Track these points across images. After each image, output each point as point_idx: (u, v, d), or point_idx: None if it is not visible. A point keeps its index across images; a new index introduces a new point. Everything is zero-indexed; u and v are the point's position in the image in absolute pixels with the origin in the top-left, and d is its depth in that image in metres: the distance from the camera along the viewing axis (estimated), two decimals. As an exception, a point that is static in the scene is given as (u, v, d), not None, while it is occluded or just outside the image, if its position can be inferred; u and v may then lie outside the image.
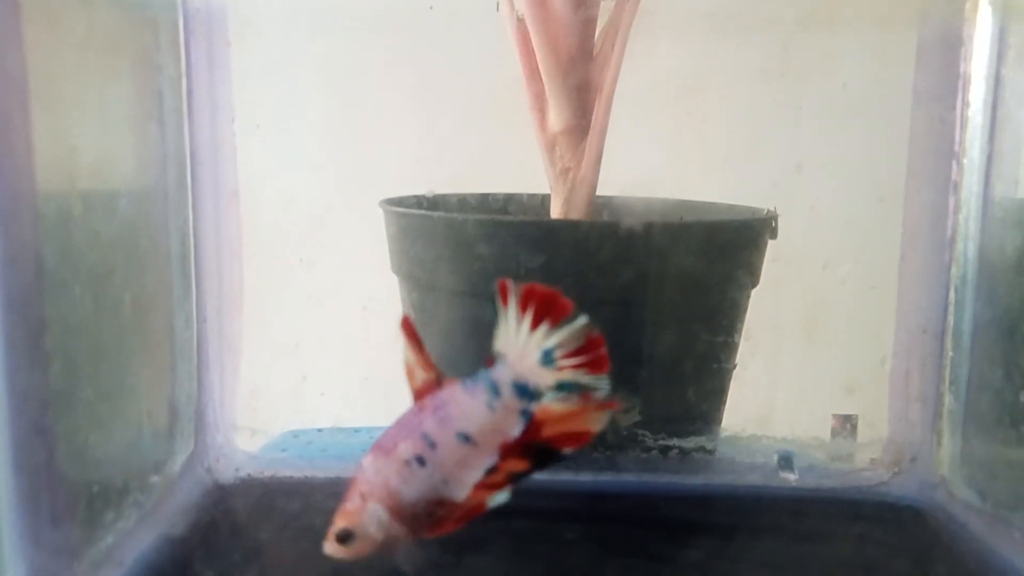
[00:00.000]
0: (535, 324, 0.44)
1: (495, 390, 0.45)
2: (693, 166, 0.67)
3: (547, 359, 0.44)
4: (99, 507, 0.52)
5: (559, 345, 0.44)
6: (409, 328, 0.47)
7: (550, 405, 0.44)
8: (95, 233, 0.53)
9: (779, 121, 0.67)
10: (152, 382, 0.63)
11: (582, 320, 0.44)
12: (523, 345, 0.44)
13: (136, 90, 0.59)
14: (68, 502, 0.44)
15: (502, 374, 0.45)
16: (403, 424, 0.46)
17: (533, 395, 0.44)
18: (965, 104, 0.63)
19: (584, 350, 0.44)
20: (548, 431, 0.44)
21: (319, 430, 0.78)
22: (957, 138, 0.64)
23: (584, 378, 0.44)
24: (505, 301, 0.44)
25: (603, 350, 0.44)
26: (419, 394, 0.46)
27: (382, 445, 0.46)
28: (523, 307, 0.44)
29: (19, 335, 0.41)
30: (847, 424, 0.72)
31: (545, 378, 0.44)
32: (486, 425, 0.45)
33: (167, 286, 0.64)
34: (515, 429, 0.45)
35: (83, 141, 0.51)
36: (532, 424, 0.44)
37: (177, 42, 0.64)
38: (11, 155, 0.40)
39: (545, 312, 0.44)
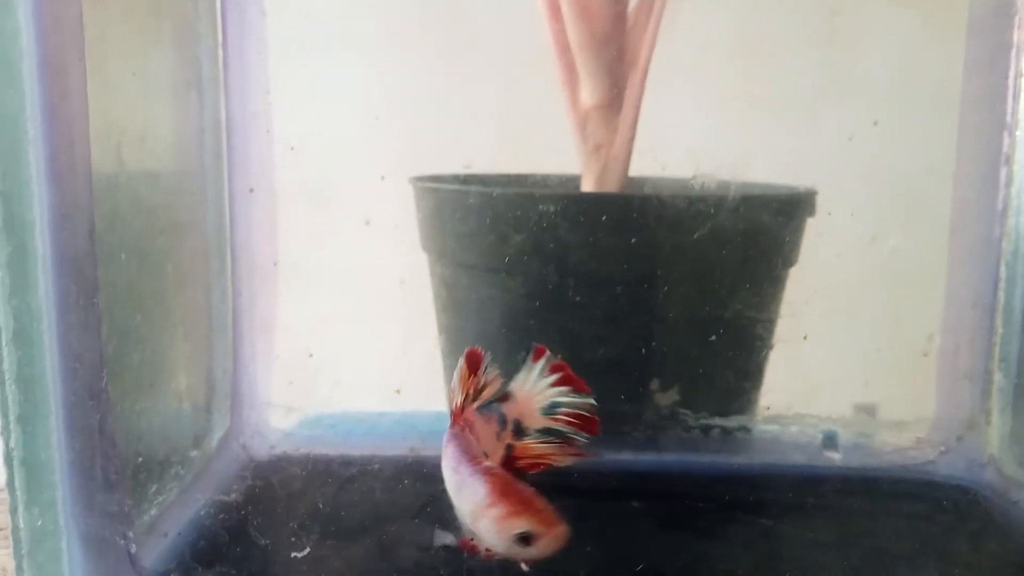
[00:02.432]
0: (555, 384, 0.50)
1: (503, 422, 0.49)
2: (737, 137, 0.66)
3: (550, 410, 0.49)
4: (143, 478, 0.51)
5: (566, 404, 0.49)
6: (474, 359, 0.50)
7: (530, 443, 0.49)
8: (139, 200, 0.52)
9: (826, 91, 0.65)
10: (191, 356, 0.62)
11: (592, 400, 0.49)
12: (536, 391, 0.49)
13: (176, 57, 0.58)
14: (119, 468, 0.43)
15: (511, 410, 0.49)
16: (463, 439, 0.48)
17: (522, 434, 0.49)
18: (1019, 74, 0.62)
19: (583, 419, 0.49)
20: (519, 463, 0.49)
21: (344, 413, 0.77)
22: (1010, 109, 0.62)
23: (570, 432, 0.49)
24: (536, 359, 0.50)
25: (598, 425, 0.49)
26: (454, 415, 0.49)
27: (474, 457, 0.46)
28: (551, 370, 0.50)
29: (72, 295, 0.40)
30: (866, 414, 0.71)
31: (538, 422, 0.49)
32: (490, 450, 0.48)
33: (204, 259, 0.64)
34: (498, 458, 0.49)
35: (128, 104, 0.51)
36: (508, 456, 0.49)
37: (214, 10, 0.63)
38: (68, 104, 0.39)
39: (566, 382, 0.50)
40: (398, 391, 0.52)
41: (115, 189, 0.49)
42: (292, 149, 0.62)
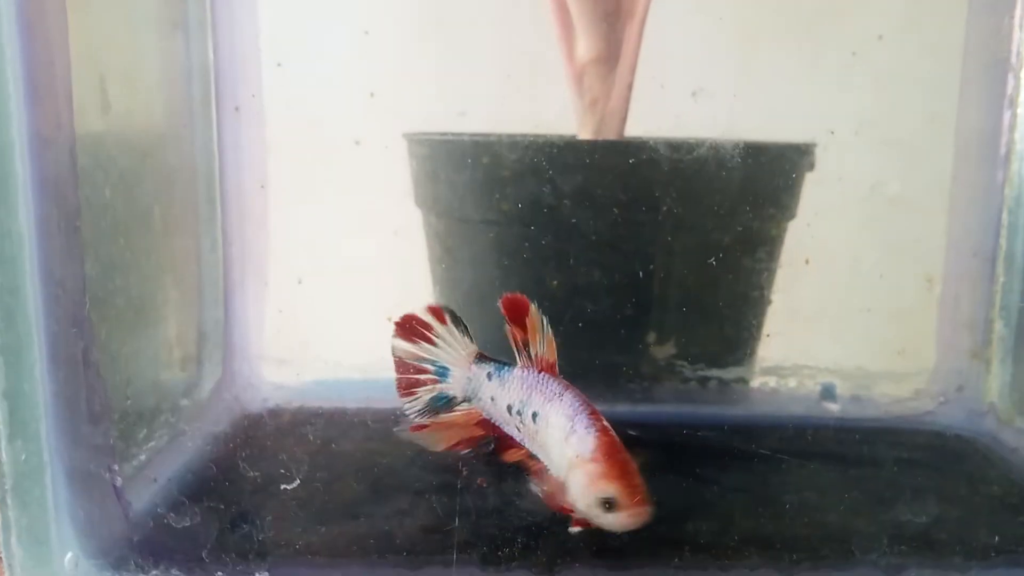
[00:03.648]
0: None
1: None
2: (734, 84, 0.64)
3: None
4: (132, 421, 0.50)
5: None
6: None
7: None
8: (124, 138, 0.51)
9: (827, 33, 0.64)
10: (180, 304, 0.61)
11: None
12: None
13: (162, -6, 0.56)
14: (105, 401, 0.42)
15: None
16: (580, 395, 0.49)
17: None
18: (1024, 13, 0.61)
19: None
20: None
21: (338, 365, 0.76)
22: (1014, 50, 0.61)
23: None
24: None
25: None
26: (549, 366, 0.50)
27: (594, 412, 0.48)
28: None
29: (54, 220, 0.39)
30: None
31: None
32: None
33: (193, 206, 0.62)
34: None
35: (111, 37, 0.49)
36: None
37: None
38: (45, 22, 0.37)
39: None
40: (389, 318, 0.51)
41: (99, 122, 0.47)
42: (279, 66, 0.61)
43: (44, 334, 0.39)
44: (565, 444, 0.45)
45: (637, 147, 0.67)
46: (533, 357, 0.49)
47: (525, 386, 0.49)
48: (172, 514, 0.45)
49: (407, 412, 0.52)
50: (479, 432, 0.51)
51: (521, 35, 0.68)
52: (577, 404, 0.47)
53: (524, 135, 0.68)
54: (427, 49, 0.65)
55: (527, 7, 0.67)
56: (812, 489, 0.55)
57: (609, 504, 0.43)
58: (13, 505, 0.41)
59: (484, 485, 0.52)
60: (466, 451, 0.51)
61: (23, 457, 0.40)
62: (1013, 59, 0.61)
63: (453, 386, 0.51)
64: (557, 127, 0.70)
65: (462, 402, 0.51)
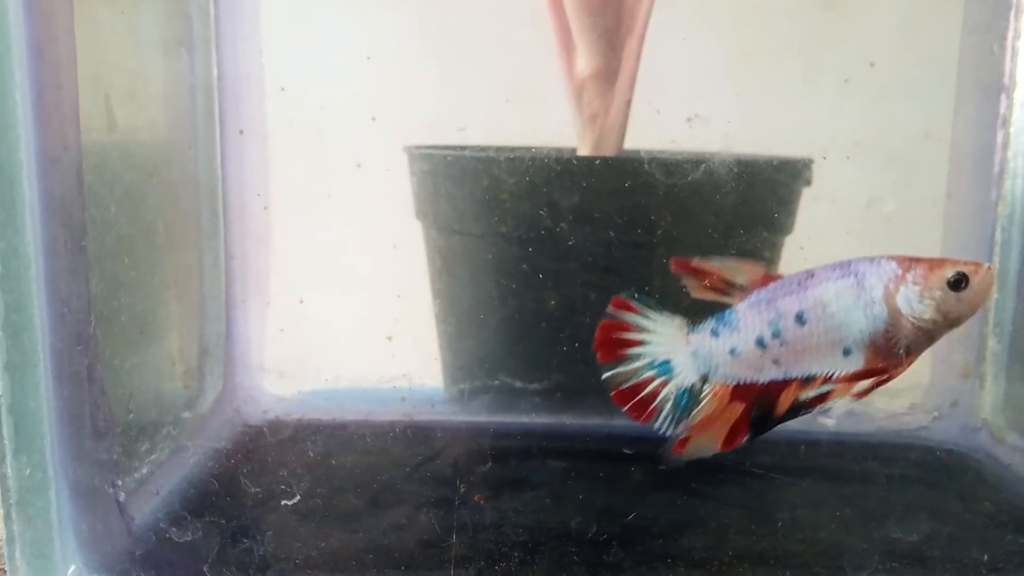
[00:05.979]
0: None
1: None
2: (733, 98, 0.65)
3: None
4: (134, 435, 0.51)
5: None
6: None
7: None
8: (129, 155, 0.52)
9: (823, 51, 0.65)
10: (183, 318, 0.61)
11: None
12: None
13: (167, 12, 0.57)
14: (109, 416, 0.43)
15: None
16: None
17: None
18: (1017, 35, 0.61)
19: None
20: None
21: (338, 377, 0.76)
22: (1007, 70, 0.62)
23: None
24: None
25: None
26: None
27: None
28: None
29: (60, 239, 0.40)
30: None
31: None
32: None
33: (196, 220, 0.63)
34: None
35: (117, 57, 0.50)
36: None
37: (206, -32, 0.62)
38: (55, 47, 0.38)
39: None
40: (389, 337, 0.51)
41: (104, 141, 0.48)
42: (282, 90, 0.62)
43: (49, 351, 0.39)
44: (863, 292, 0.42)
45: (635, 162, 0.68)
46: (743, 285, 0.44)
47: (765, 306, 0.43)
48: (174, 528, 0.45)
49: (661, 431, 0.44)
50: (740, 406, 0.43)
51: (521, 53, 0.68)
52: (834, 265, 0.43)
53: (527, 147, 0.69)
54: (428, 74, 0.66)
55: (527, 25, 0.68)
56: (806, 505, 0.55)
57: (959, 282, 0.41)
58: (17, 519, 0.41)
59: (481, 501, 0.52)
60: (747, 439, 0.43)
61: (27, 472, 0.41)
62: (1006, 80, 0.62)
63: (683, 374, 0.44)
64: (556, 142, 0.71)
65: (703, 384, 0.44)
